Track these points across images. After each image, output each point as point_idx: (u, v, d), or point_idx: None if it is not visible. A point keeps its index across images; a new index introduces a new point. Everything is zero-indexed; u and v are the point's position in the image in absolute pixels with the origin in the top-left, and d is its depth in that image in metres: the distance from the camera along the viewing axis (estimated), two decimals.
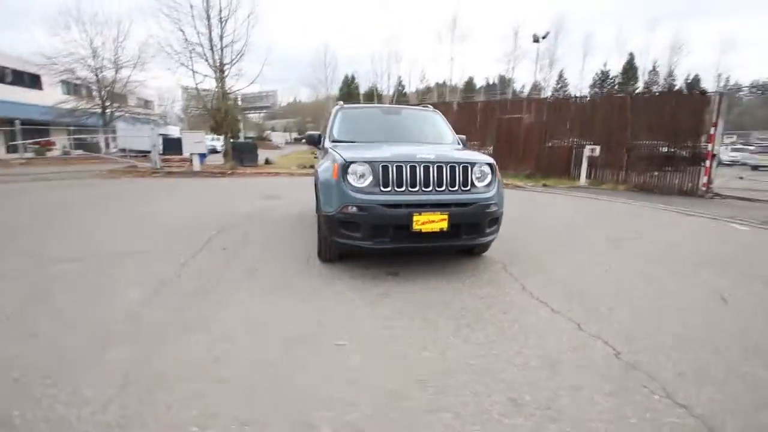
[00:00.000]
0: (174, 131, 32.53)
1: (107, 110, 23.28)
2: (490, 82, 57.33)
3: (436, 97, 43.55)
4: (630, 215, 6.70)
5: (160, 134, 18.46)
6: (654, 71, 46.91)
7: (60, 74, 22.26)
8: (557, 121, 12.19)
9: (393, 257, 3.75)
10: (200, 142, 14.09)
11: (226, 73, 16.17)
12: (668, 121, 10.09)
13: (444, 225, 3.09)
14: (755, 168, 17.24)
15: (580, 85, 48.05)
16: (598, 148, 10.58)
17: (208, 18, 15.39)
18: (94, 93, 23.13)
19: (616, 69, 49.37)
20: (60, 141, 22.16)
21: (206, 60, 15.66)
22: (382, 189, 3.10)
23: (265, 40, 22.18)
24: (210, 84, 16.56)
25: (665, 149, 10.23)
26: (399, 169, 3.12)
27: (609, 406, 1.74)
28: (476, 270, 3.57)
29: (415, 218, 3.04)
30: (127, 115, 24.99)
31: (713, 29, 66.74)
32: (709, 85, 39.41)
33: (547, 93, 44.00)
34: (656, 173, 10.25)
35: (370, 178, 3.13)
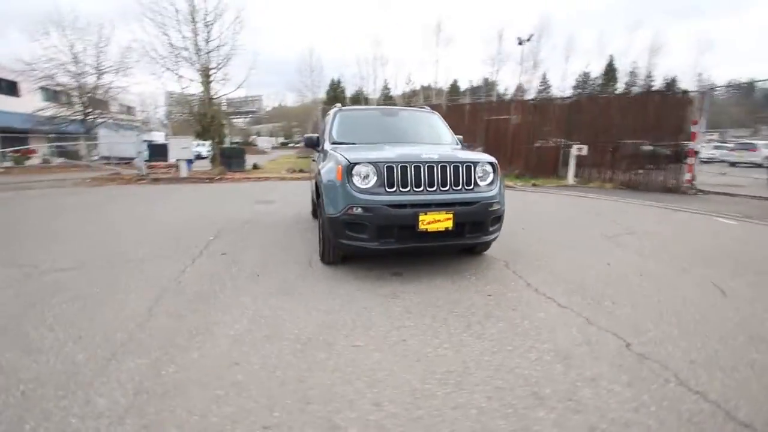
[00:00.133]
0: (158, 137, 31.96)
1: (89, 117, 22.74)
2: (475, 85, 57.98)
3: (422, 100, 43.76)
4: (620, 212, 6.85)
5: (145, 140, 18.14)
6: (633, 73, 48.13)
7: (39, 81, 21.68)
8: (544, 121, 12.42)
9: (395, 258, 3.75)
10: (187, 147, 13.86)
11: (212, 77, 16.00)
12: (652, 121, 10.38)
13: (449, 224, 3.11)
14: (733, 164, 17.83)
15: (562, 87, 48.94)
16: (585, 148, 10.78)
17: (194, 22, 15.23)
18: (75, 99, 22.56)
19: (597, 71, 50.52)
20: (40, 149, 21.56)
21: (192, 64, 15.47)
22: (387, 190, 3.11)
23: (251, 45, 21.77)
24: (196, 89, 16.38)
25: (649, 148, 10.50)
26: (404, 169, 3.13)
27: (628, 396, 1.77)
28: (479, 268, 3.59)
29: (420, 218, 3.05)
30: (109, 121, 24.43)
31: (691, 31, 68.96)
32: (686, 85, 40.70)
33: (531, 95, 44.70)
34: (641, 171, 10.52)
35: (375, 179, 3.13)
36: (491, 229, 3.40)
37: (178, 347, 2.22)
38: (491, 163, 3.44)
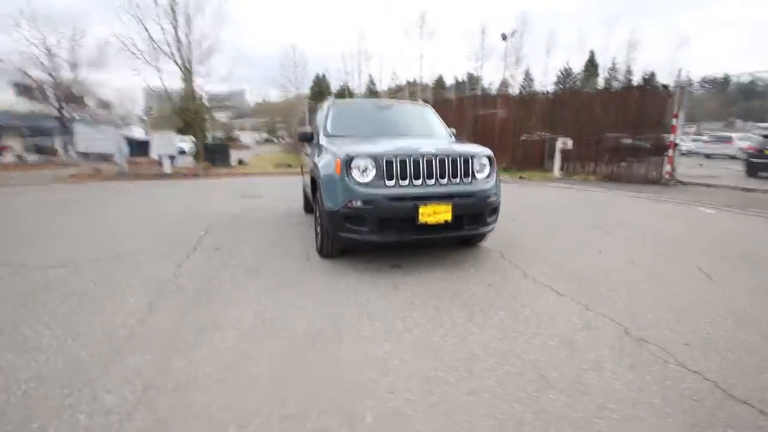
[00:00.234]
0: (137, 133, 31.08)
1: (64, 112, 21.95)
2: (460, 80, 58.24)
3: (407, 95, 43.79)
4: (606, 203, 7.03)
5: (125, 136, 17.64)
6: (613, 68, 49.10)
7: (10, 74, 20.81)
8: (529, 115, 12.59)
9: (393, 250, 3.77)
10: (170, 143, 13.53)
11: (195, 72, 15.66)
12: (633, 114, 10.64)
13: (448, 216, 3.14)
14: (708, 156, 18.44)
15: (544, 82, 49.66)
16: (570, 141, 10.98)
17: (174, 14, 14.85)
18: (49, 94, 21.72)
19: (578, 66, 51.36)
20: (13, 145, 20.69)
21: (174, 59, 15.10)
22: (387, 183, 3.12)
23: (233, 39, 21.41)
24: (177, 84, 16.01)
25: (630, 141, 10.77)
26: (403, 162, 3.14)
27: (631, 378, 1.84)
28: (477, 259, 3.64)
29: (420, 210, 3.07)
30: (86, 117, 23.63)
31: (666, 27, 70.64)
32: (663, 80, 41.78)
33: (515, 90, 45.20)
34: (623, 163, 10.79)
35: (374, 172, 3.13)
36: (488, 220, 3.45)
37: (185, 342, 2.19)
38: (488, 156, 3.48)
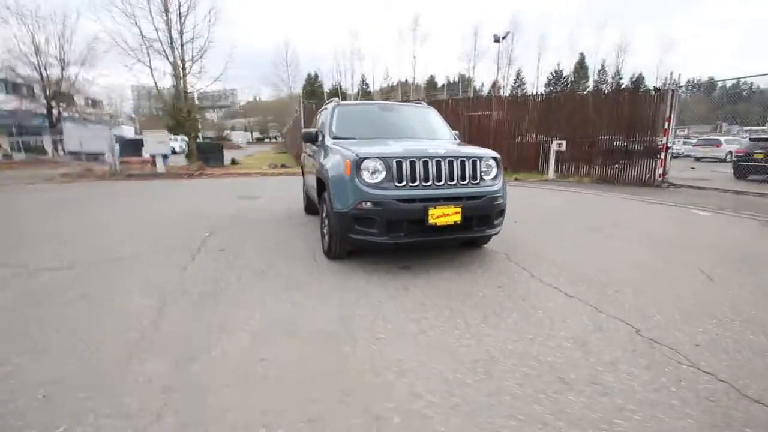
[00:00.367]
0: (127, 131, 30.67)
1: (53, 110, 21.55)
2: (451, 81, 58.55)
3: (400, 95, 43.92)
4: (601, 205, 7.13)
5: (115, 135, 17.40)
6: (603, 70, 49.86)
7: None
8: (524, 118, 12.70)
9: (400, 252, 3.79)
10: (164, 142, 13.38)
11: (187, 70, 15.51)
12: (626, 117, 10.80)
13: (458, 218, 3.16)
14: (698, 159, 18.82)
15: (536, 84, 50.26)
16: (564, 143, 11.11)
17: (167, 12, 14.69)
18: (38, 92, 21.31)
19: (568, 68, 52.05)
20: (1, 144, 20.27)
21: (166, 57, 14.93)
22: (397, 184, 3.13)
23: (226, 37, 21.14)
24: (169, 82, 15.83)
25: (623, 143, 10.94)
26: (412, 164, 3.16)
27: (647, 378, 1.88)
28: (483, 261, 3.67)
29: (430, 212, 3.09)
30: (76, 115, 23.24)
31: (656, 30, 71.93)
32: (652, 83, 42.57)
33: (506, 91, 45.61)
34: (617, 166, 10.95)
35: (384, 174, 3.14)
36: (495, 222, 3.49)
37: (198, 345, 2.18)
38: (495, 158, 3.52)
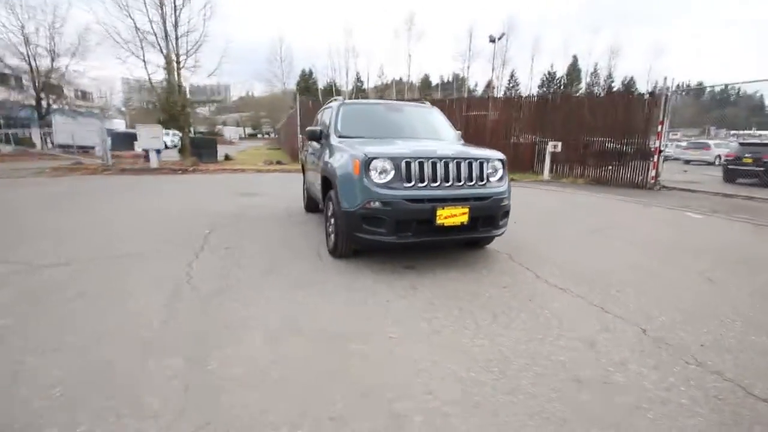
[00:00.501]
0: (118, 125, 30.17)
1: (42, 102, 21.11)
2: (445, 80, 58.72)
3: (394, 94, 43.86)
4: (597, 206, 7.23)
5: (106, 128, 17.12)
6: (595, 73, 50.40)
7: None
8: (519, 118, 12.81)
9: (405, 251, 3.81)
10: (157, 137, 13.20)
11: (182, 64, 15.30)
12: (621, 120, 10.96)
13: (465, 219, 3.19)
14: (688, 162, 19.15)
15: (530, 85, 50.64)
16: (560, 145, 11.23)
17: (162, 5, 14.46)
18: (27, 83, 20.85)
19: (561, 70, 52.52)
20: None
21: (160, 50, 14.72)
22: (406, 184, 3.15)
23: (220, 31, 20.81)
24: (162, 75, 15.60)
25: (617, 146, 11.10)
26: (420, 164, 3.18)
27: (657, 378, 1.93)
28: (487, 261, 3.71)
29: (438, 212, 3.11)
30: (65, 107, 22.78)
31: (648, 35, 72.92)
32: (642, 86, 43.20)
33: (500, 92, 45.88)
34: (610, 168, 11.11)
35: (392, 174, 3.16)
36: (500, 223, 3.53)
37: (211, 344, 2.18)
38: (501, 160, 3.56)
